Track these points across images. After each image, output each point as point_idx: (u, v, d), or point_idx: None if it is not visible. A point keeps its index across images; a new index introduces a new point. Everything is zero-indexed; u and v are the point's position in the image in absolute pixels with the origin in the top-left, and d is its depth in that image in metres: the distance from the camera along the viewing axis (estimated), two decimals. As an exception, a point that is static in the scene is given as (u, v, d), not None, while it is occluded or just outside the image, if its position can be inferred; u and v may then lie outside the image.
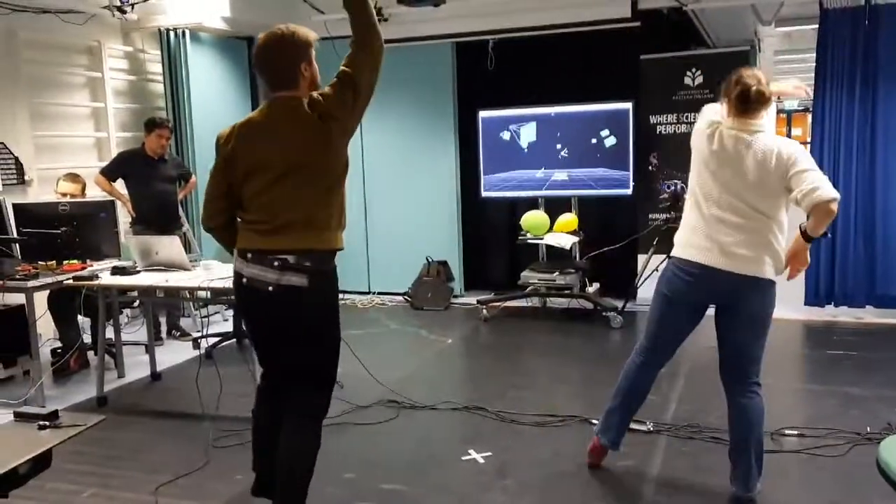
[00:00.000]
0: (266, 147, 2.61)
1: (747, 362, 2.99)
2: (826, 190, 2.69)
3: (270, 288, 2.60)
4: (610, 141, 6.31)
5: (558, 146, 6.50)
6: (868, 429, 3.69)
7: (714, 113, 3.01)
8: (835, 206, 2.70)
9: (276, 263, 2.58)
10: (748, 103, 2.85)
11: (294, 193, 2.60)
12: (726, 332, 3.02)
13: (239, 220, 2.74)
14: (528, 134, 6.63)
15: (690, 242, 2.97)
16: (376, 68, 2.69)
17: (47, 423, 2.42)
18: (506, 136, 6.66)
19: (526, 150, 6.61)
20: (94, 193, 5.67)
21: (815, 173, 2.74)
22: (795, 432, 3.71)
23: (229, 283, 4.04)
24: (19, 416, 2.51)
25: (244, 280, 2.68)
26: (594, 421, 3.62)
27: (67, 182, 5.24)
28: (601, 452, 3.36)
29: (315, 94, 2.64)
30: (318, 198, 2.63)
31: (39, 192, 5.71)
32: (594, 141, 6.39)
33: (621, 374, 3.27)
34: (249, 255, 2.65)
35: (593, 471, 3.30)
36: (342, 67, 2.64)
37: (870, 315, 5.99)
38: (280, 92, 2.66)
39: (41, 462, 2.28)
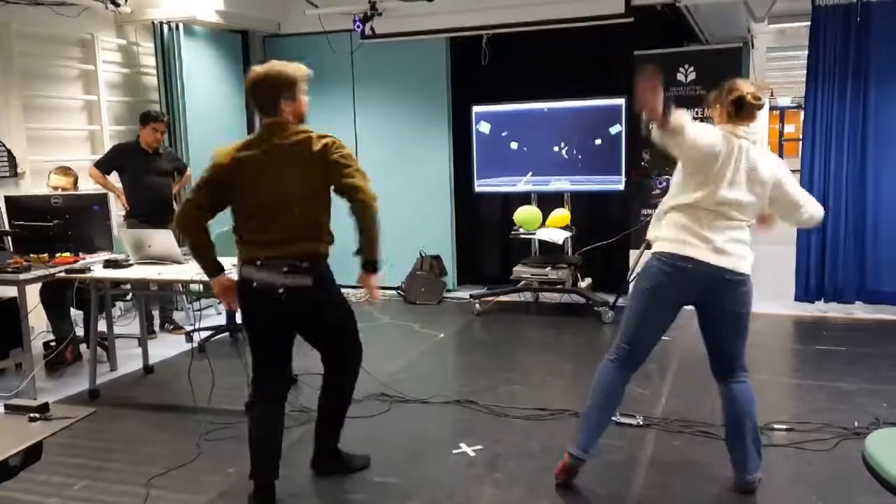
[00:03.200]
0: (271, 177, 2.95)
1: (733, 357, 3.08)
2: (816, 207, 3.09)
3: (281, 290, 2.97)
4: (615, 129, 6.32)
5: (551, 141, 6.51)
6: (856, 423, 3.73)
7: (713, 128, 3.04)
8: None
9: (284, 269, 2.96)
10: (742, 110, 2.97)
11: (296, 215, 2.96)
12: (710, 332, 3.09)
13: (236, 233, 3.07)
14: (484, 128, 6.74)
15: (679, 238, 3.00)
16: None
17: (38, 415, 2.42)
18: (483, 127, 6.68)
19: (520, 147, 6.62)
20: (88, 186, 5.67)
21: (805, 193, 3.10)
22: (784, 426, 3.74)
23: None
24: (10, 409, 2.51)
25: (254, 284, 3.00)
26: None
27: (59, 175, 5.22)
28: (572, 470, 3.19)
29: (325, 136, 3.00)
30: (313, 219, 3.01)
31: (32, 185, 5.70)
32: (587, 136, 6.41)
33: (594, 387, 3.16)
34: (259, 262, 2.98)
35: (583, 465, 3.25)
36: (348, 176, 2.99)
37: (859, 311, 6.03)
38: (268, 118, 3.02)
39: (32, 454, 2.29)
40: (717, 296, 2.99)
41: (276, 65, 3.04)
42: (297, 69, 3.05)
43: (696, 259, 2.95)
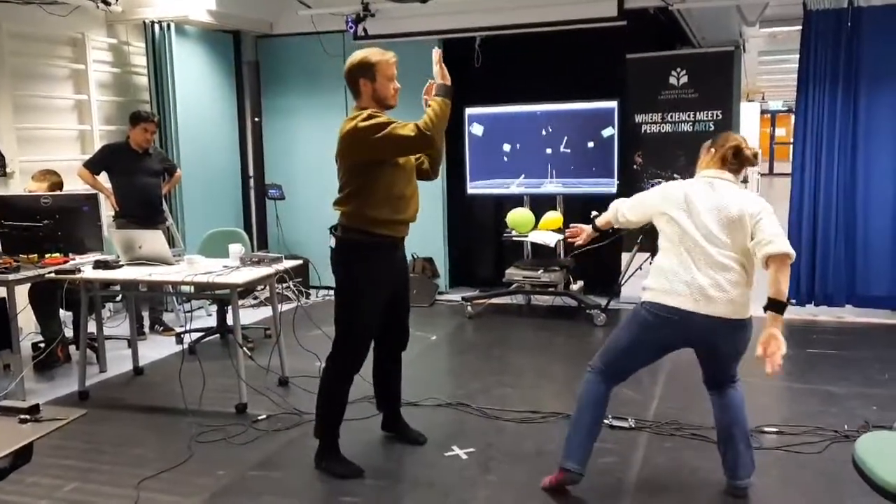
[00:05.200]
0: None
1: (725, 376, 3.12)
2: (782, 243, 2.77)
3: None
4: (608, 132, 6.33)
5: (544, 144, 6.52)
6: (846, 426, 3.74)
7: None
8: (788, 262, 2.77)
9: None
10: (737, 159, 3.02)
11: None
12: (703, 363, 3.12)
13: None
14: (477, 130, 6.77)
15: (663, 287, 2.95)
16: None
17: (28, 416, 2.39)
18: (476, 129, 6.69)
19: (512, 149, 6.63)
20: (77, 186, 5.63)
21: (775, 227, 2.84)
22: (775, 430, 3.75)
23: (212, 278, 4.07)
24: (-1, 410, 2.48)
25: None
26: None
27: (34, 182, 5.15)
28: (568, 483, 3.16)
29: (353, 117, 3.30)
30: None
31: (22, 185, 5.66)
32: (579, 139, 6.42)
33: (582, 403, 3.12)
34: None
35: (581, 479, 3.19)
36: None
37: (850, 315, 6.05)
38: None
39: (22, 456, 2.26)
40: (711, 340, 2.97)
41: (362, 51, 3.30)
42: (377, 53, 3.28)
43: (681, 310, 2.89)
